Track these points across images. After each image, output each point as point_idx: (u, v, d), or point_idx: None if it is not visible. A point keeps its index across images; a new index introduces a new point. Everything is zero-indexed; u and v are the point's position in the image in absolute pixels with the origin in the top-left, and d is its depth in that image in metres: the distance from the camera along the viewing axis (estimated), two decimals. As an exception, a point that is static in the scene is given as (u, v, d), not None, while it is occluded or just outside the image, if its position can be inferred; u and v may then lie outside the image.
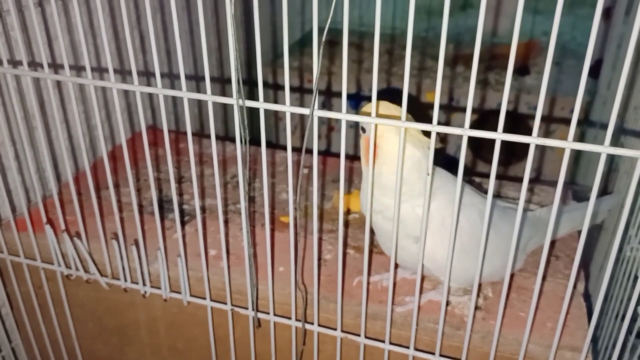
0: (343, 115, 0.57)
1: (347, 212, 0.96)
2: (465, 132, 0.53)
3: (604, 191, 1.16)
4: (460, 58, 1.82)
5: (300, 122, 1.83)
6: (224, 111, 1.62)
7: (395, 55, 1.90)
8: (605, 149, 0.51)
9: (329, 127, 1.83)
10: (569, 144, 0.51)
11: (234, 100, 0.59)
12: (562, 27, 1.78)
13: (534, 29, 1.82)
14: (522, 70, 1.74)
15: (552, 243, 0.87)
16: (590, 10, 0.45)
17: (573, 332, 0.71)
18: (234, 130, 0.61)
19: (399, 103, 0.56)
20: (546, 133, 1.67)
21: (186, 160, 1.12)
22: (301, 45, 1.99)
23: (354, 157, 1.03)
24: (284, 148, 1.16)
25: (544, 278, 0.80)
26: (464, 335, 0.71)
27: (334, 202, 0.98)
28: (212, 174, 1.06)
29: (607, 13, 1.60)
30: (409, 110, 0.55)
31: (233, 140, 1.25)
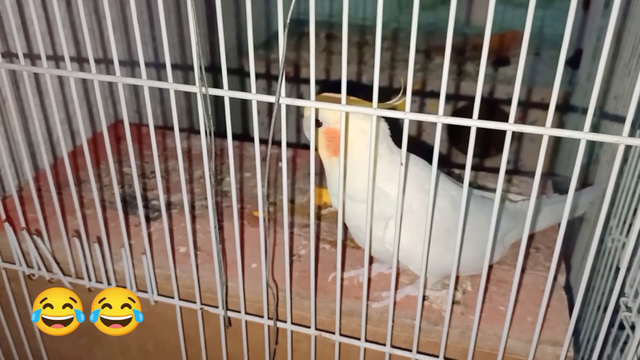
0: (312, 103, 0.54)
1: (323, 206, 0.93)
2: (440, 119, 0.51)
3: (584, 183, 1.14)
4: (440, 49, 1.80)
5: (269, 112, 1.77)
6: (189, 103, 1.57)
7: (366, 48, 1.86)
8: (585, 135, 0.48)
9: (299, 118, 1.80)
10: (548, 130, 0.49)
11: (197, 89, 0.56)
12: (544, 19, 1.78)
13: (515, 20, 1.81)
14: (502, 61, 1.72)
15: (532, 235, 0.85)
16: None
17: (554, 326, 0.68)
18: (199, 119, 0.57)
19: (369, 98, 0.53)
20: (525, 123, 1.65)
21: (148, 155, 1.08)
22: (267, 47, 1.94)
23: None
24: (261, 142, 1.14)
25: (523, 270, 0.78)
26: (442, 331, 0.68)
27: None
28: (184, 168, 1.03)
29: (586, 4, 1.59)
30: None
31: (197, 132, 1.22)
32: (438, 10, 1.97)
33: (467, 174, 0.54)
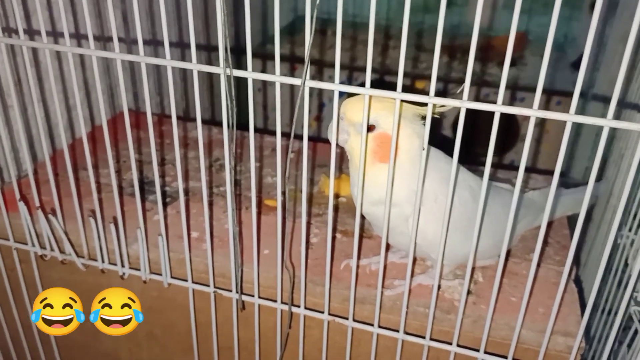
0: (336, 86, 0.54)
1: (335, 196, 0.93)
2: (464, 104, 0.51)
3: (584, 181, 1.15)
4: (457, 48, 1.80)
5: (290, 102, 1.77)
6: (211, 93, 1.57)
7: (389, 47, 1.86)
8: (607, 122, 0.49)
9: (316, 117, 1.80)
10: (571, 117, 0.50)
11: (221, 70, 0.56)
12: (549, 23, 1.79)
13: (522, 22, 1.82)
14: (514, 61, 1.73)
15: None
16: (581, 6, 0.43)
17: (565, 317, 0.69)
18: (220, 113, 0.58)
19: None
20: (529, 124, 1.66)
21: (168, 143, 1.08)
22: (290, 33, 1.95)
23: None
24: (271, 133, 1.14)
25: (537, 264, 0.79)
26: (454, 320, 0.69)
27: (321, 186, 0.95)
28: (194, 157, 1.03)
29: (593, 7, 1.60)
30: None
31: (218, 124, 1.22)
32: (448, 12, 1.98)
33: (489, 161, 0.54)
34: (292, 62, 1.80)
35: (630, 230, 0.84)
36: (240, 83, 0.59)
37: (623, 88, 0.54)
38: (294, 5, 2.17)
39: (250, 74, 0.57)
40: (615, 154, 1.05)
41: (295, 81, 0.55)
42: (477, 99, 1.64)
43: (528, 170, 1.06)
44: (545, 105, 1.60)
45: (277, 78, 0.56)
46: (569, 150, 1.59)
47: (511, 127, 1.64)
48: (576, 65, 1.61)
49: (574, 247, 0.57)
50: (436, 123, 0.65)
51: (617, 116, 1.11)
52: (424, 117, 0.61)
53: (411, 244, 0.60)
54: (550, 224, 0.86)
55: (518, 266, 0.78)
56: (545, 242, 0.84)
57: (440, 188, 0.65)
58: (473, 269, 0.76)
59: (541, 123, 1.63)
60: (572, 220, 0.94)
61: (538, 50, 1.78)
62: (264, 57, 1.77)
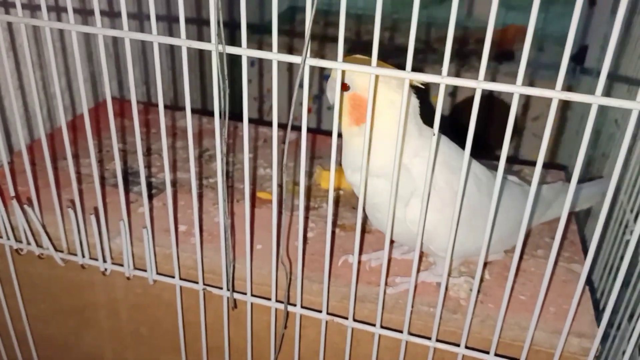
0: (339, 65, 0.50)
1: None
2: (480, 84, 0.47)
3: (585, 177, 1.12)
4: (455, 40, 1.77)
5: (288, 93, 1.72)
6: (201, 82, 1.51)
7: (391, 40, 1.82)
8: (596, 99, 0.45)
9: (310, 110, 1.75)
10: (557, 94, 0.46)
11: (213, 46, 0.51)
12: (548, 15, 1.76)
13: (517, 17, 1.79)
14: (507, 55, 1.69)
15: (548, 224, 0.81)
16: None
17: (578, 317, 0.65)
18: (211, 104, 0.53)
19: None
20: (529, 118, 1.63)
21: (154, 133, 1.03)
22: (290, 19, 1.90)
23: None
24: (265, 124, 1.09)
25: (555, 262, 0.75)
26: (460, 320, 0.65)
27: (316, 179, 0.91)
28: (182, 147, 0.98)
29: (592, 1, 1.57)
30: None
31: (208, 114, 1.17)
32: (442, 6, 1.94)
33: (505, 147, 0.50)
34: (291, 51, 1.75)
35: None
36: (234, 67, 0.54)
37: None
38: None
39: (245, 51, 0.52)
40: (616, 150, 1.01)
41: (295, 59, 0.50)
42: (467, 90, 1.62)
43: (528, 163, 1.02)
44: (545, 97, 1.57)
45: (275, 55, 0.51)
46: (567, 139, 1.56)
47: (503, 113, 1.61)
48: (576, 58, 1.57)
49: (593, 248, 0.53)
50: (427, 100, 0.61)
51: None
52: (412, 86, 0.58)
53: (418, 235, 0.55)
54: (557, 220, 0.82)
55: (526, 263, 0.74)
56: (552, 238, 0.80)
57: (441, 174, 0.61)
58: (485, 264, 0.72)
59: (541, 115, 1.61)
60: (579, 215, 0.91)
61: (536, 43, 1.75)
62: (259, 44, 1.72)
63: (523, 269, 0.73)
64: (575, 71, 1.61)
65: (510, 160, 1.59)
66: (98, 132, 0.98)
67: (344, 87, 0.59)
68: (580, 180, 0.86)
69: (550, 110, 0.47)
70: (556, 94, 0.46)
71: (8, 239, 0.73)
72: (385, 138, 0.59)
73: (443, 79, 0.47)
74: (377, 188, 0.62)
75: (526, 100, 1.60)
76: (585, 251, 0.80)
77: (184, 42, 0.53)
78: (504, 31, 1.75)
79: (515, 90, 0.46)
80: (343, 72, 0.51)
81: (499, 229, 0.62)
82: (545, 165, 1.05)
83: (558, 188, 0.76)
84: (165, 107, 0.58)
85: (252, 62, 1.70)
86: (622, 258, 0.83)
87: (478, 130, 0.49)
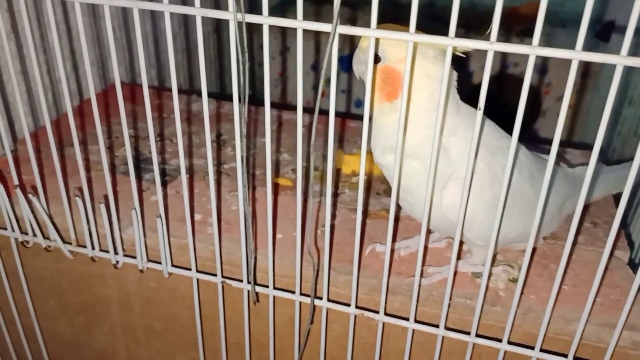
0: (372, 32, 0.45)
1: (352, 173, 0.84)
2: (535, 50, 0.42)
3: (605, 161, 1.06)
4: (473, 19, 1.71)
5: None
6: (219, 64, 1.45)
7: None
8: (621, 60, 0.40)
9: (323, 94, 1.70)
10: (577, 54, 0.40)
11: (231, 15, 0.47)
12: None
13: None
14: (527, 31, 1.64)
15: (587, 207, 0.76)
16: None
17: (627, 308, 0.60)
18: (229, 88, 0.48)
19: None
20: (549, 96, 1.58)
21: (166, 118, 0.98)
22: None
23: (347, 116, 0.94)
24: (283, 108, 1.04)
25: (583, 247, 0.70)
26: (500, 312, 0.60)
27: (338, 163, 0.86)
28: (196, 132, 0.93)
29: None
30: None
31: (225, 98, 1.12)
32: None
33: (560, 125, 0.45)
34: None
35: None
36: (253, 48, 0.49)
37: None
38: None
39: (267, 19, 0.47)
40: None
41: (324, 27, 0.45)
42: (502, 66, 1.56)
43: (563, 144, 0.97)
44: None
45: (300, 23, 0.46)
46: (586, 116, 1.50)
47: (534, 101, 1.56)
48: (601, 34, 1.51)
49: (614, 231, 0.48)
50: (464, 71, 0.56)
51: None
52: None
53: (459, 223, 0.50)
54: (596, 204, 0.77)
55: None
56: (593, 224, 0.75)
57: (480, 154, 0.56)
58: (522, 252, 0.67)
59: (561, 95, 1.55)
60: (619, 199, 0.85)
61: (559, 21, 1.69)
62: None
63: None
64: (599, 48, 1.55)
65: (539, 141, 1.54)
66: (107, 118, 0.94)
67: (376, 60, 0.53)
68: (619, 161, 0.81)
69: (570, 72, 0.42)
70: (576, 55, 0.41)
71: (13, 230, 0.69)
72: (420, 115, 0.54)
73: (492, 45, 0.42)
74: (409, 170, 0.57)
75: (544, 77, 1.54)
76: (628, 235, 0.75)
77: (198, 11, 0.48)
78: (515, 9, 1.70)
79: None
80: (377, 40, 0.46)
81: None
82: (578, 146, 0.99)
83: (597, 167, 0.71)
84: (180, 91, 0.53)
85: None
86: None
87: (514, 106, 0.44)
